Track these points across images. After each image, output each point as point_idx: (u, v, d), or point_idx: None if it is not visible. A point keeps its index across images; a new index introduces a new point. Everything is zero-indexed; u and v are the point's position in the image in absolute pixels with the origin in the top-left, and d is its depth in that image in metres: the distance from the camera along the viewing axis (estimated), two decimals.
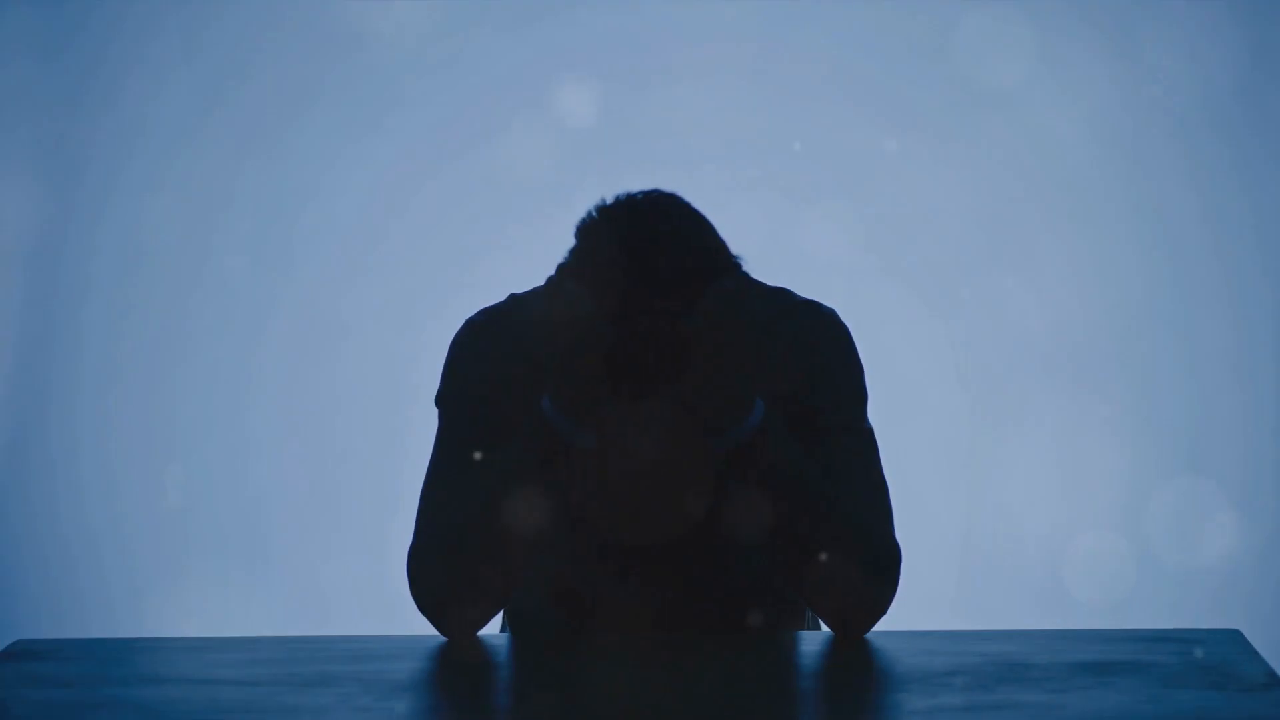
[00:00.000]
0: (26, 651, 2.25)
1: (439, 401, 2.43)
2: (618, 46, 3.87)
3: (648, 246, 2.21)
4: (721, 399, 2.21)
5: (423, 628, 2.52)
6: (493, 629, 2.62)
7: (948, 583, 4.23)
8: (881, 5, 4.22)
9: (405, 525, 4.26)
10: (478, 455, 2.36)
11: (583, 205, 2.33)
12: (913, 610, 4.26)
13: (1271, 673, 2.05)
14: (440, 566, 2.32)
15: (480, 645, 2.30)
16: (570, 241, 2.25)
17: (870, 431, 2.40)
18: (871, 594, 2.30)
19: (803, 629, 2.52)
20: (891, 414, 4.13)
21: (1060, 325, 4.24)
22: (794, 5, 4.23)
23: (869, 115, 4.24)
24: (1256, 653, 2.14)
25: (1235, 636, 2.23)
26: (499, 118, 4.18)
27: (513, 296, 2.44)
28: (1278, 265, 4.23)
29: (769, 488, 2.26)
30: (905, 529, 4.20)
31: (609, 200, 2.27)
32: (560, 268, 2.27)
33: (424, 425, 3.73)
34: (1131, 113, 4.23)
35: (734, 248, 2.29)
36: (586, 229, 2.25)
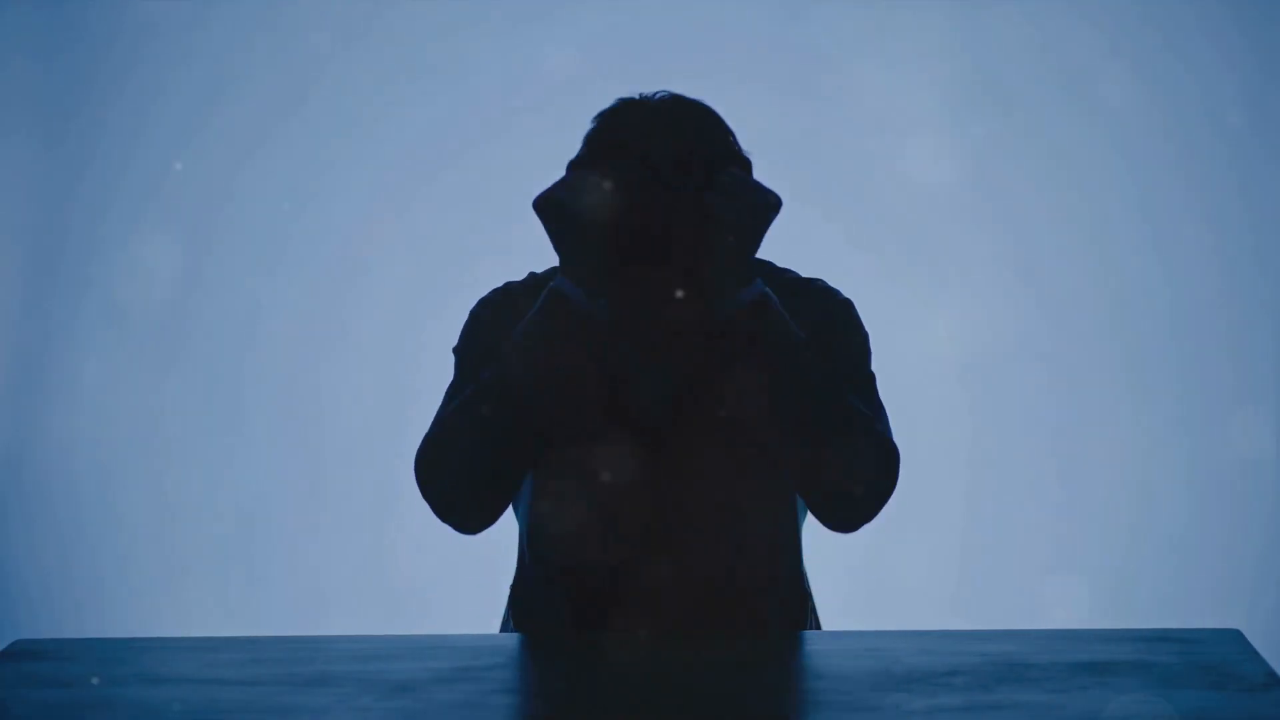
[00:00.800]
0: (26, 651, 2.25)
1: (456, 350, 2.49)
2: (618, 46, 3.87)
3: (660, 128, 2.33)
4: (723, 268, 2.30)
5: (422, 628, 2.51)
6: (493, 627, 2.63)
7: (948, 583, 4.23)
8: (883, 4, 4.23)
9: (405, 526, 4.27)
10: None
11: None
12: (913, 610, 4.26)
13: (1271, 673, 2.06)
14: (448, 450, 2.37)
15: (485, 643, 2.30)
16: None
17: (873, 376, 2.46)
18: (872, 480, 2.34)
19: (804, 621, 2.53)
20: (891, 413, 4.13)
21: (1061, 324, 4.24)
22: (796, 5, 4.23)
23: (867, 115, 4.24)
24: (1256, 653, 2.15)
25: (1235, 636, 2.23)
26: (499, 118, 4.18)
27: (532, 274, 2.50)
28: (1277, 265, 4.23)
29: (771, 364, 2.31)
30: (905, 529, 4.20)
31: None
32: (571, 163, 2.38)
33: (423, 424, 3.73)
34: (1132, 112, 4.23)
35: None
36: (601, 115, 2.37)
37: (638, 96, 2.39)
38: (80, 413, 4.33)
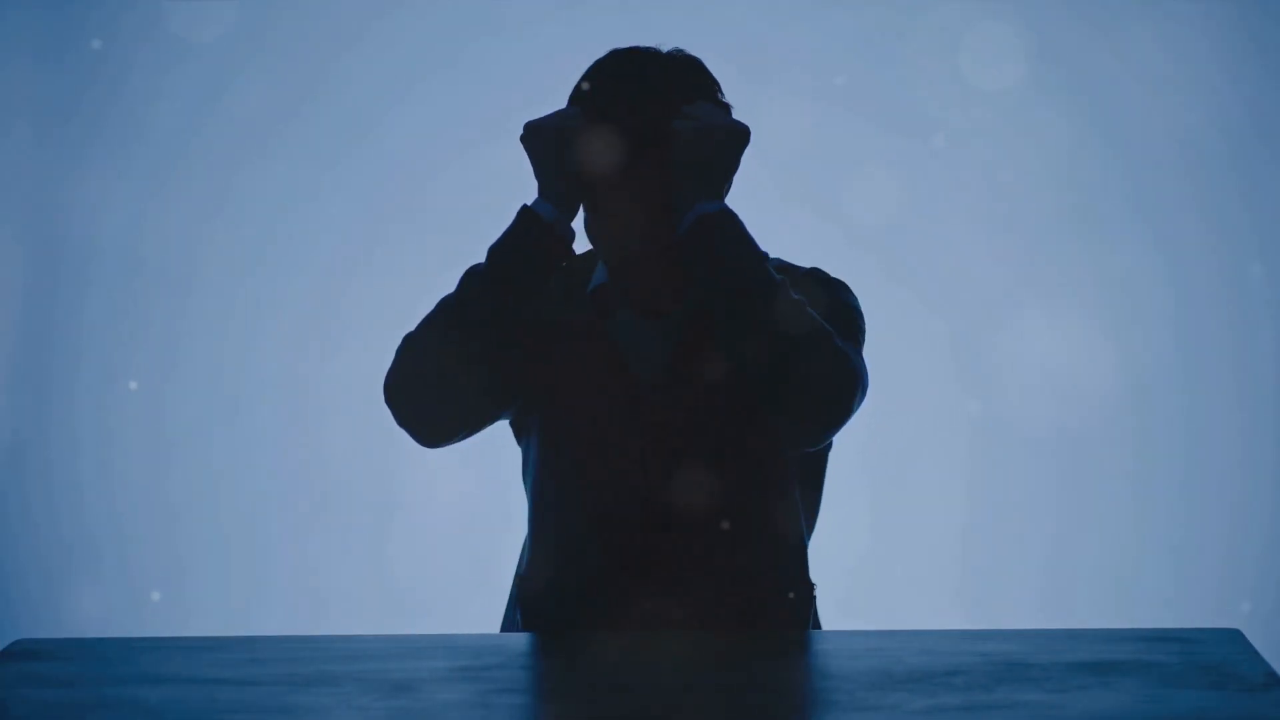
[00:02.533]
0: (26, 651, 2.25)
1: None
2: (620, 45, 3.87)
3: (635, 70, 2.46)
4: (683, 181, 2.41)
5: (422, 627, 2.51)
6: (493, 627, 2.63)
7: (948, 583, 4.23)
8: (882, 5, 4.22)
9: (405, 526, 4.27)
10: None
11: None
12: (913, 610, 4.26)
13: (1271, 673, 2.06)
14: (420, 340, 2.43)
15: (486, 643, 2.30)
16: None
17: (855, 335, 2.49)
18: (833, 385, 2.37)
19: (809, 610, 2.53)
20: (891, 413, 4.14)
21: (1060, 323, 4.24)
22: (798, 6, 4.23)
23: (866, 115, 4.24)
24: (1256, 653, 2.15)
25: (1235, 636, 2.23)
26: (499, 117, 4.18)
27: None
28: (1278, 264, 4.23)
29: (729, 269, 2.38)
30: (905, 529, 4.20)
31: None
32: None
33: None
34: (1131, 113, 4.23)
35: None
36: (590, 66, 2.49)
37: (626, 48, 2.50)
38: (81, 413, 4.33)
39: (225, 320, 4.32)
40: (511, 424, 2.57)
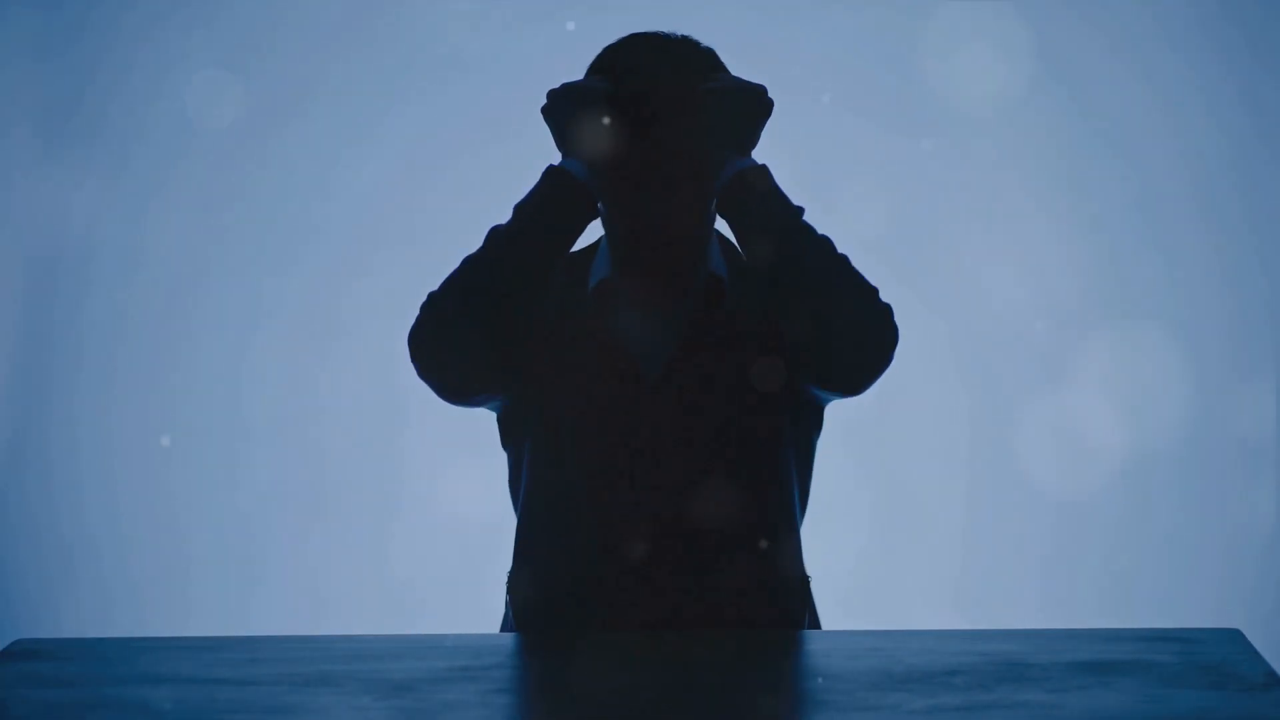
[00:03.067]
0: (26, 651, 2.25)
1: None
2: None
3: (655, 49, 2.48)
4: (716, 140, 2.44)
5: (422, 627, 2.51)
6: (493, 627, 2.63)
7: (948, 582, 4.23)
8: (882, 6, 4.23)
9: (404, 527, 4.26)
10: None
11: None
12: (913, 610, 4.25)
13: (1271, 673, 2.06)
14: (448, 292, 2.44)
15: (482, 642, 2.30)
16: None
17: None
18: (878, 328, 2.40)
19: (801, 606, 2.53)
20: (891, 411, 4.14)
21: (1062, 324, 4.24)
22: (800, 7, 4.23)
23: (864, 115, 4.24)
24: (1257, 653, 2.15)
25: (1235, 636, 2.23)
26: (504, 115, 4.18)
27: None
28: (1277, 264, 4.23)
29: (767, 220, 2.42)
30: (905, 529, 4.20)
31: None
32: None
33: (423, 425, 3.72)
34: (1130, 112, 4.23)
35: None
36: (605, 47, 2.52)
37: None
38: (81, 413, 4.33)
39: (225, 320, 4.32)
40: (500, 424, 2.55)
